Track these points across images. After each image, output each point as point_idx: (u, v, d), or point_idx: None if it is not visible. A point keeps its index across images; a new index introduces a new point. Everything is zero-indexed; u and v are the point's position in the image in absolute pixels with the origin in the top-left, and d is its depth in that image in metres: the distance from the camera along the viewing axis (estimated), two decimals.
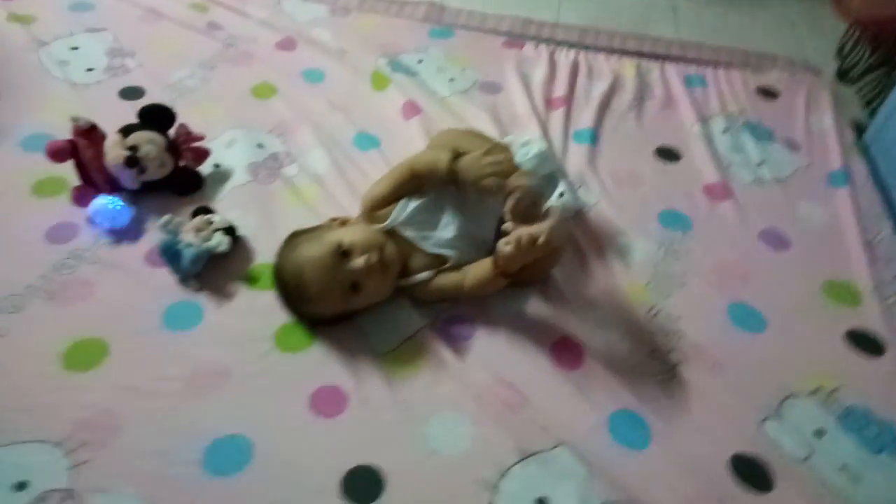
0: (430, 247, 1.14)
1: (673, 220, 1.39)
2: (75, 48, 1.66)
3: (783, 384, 1.09)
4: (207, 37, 1.76)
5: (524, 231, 0.99)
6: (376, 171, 1.41)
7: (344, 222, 1.16)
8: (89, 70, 1.60)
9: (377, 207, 1.16)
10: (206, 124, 1.48)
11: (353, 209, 1.30)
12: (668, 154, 1.56)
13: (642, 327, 1.17)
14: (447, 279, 1.14)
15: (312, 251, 1.06)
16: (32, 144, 1.37)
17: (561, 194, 1.37)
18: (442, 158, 1.13)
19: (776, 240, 1.36)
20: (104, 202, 1.22)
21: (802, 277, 1.29)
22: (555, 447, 0.97)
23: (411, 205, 1.15)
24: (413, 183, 1.15)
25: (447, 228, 1.15)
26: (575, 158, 1.52)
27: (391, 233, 1.14)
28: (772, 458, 0.99)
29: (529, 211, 1.05)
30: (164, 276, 1.17)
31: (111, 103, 1.52)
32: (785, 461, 0.99)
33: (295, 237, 1.12)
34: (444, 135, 1.28)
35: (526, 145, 1.26)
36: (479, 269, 1.11)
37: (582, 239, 1.32)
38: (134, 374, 1.03)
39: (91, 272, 1.17)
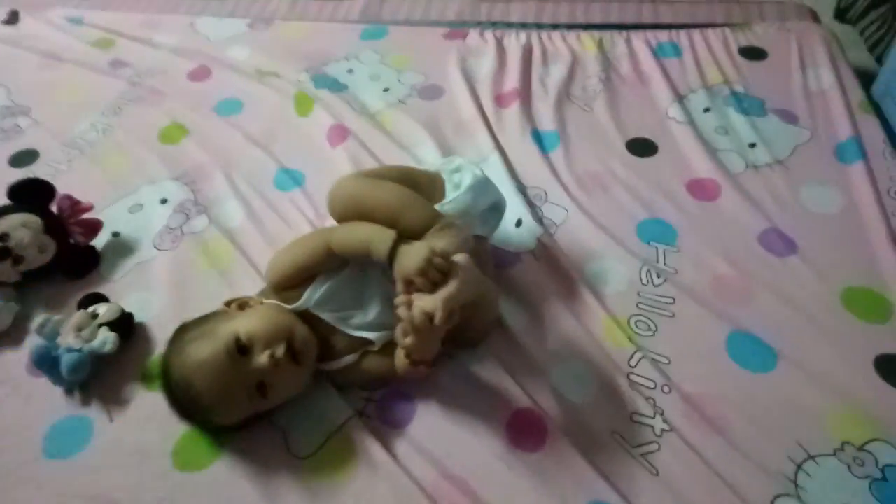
0: (350, 329, 0.94)
1: (655, 231, 1.16)
2: None
3: (800, 442, 0.87)
4: (112, 77, 1.57)
5: (415, 310, 0.78)
6: (298, 217, 1.22)
7: (243, 305, 0.95)
8: None
9: (285, 287, 0.94)
10: (109, 184, 1.32)
11: None
12: (642, 147, 1.32)
13: (620, 383, 0.95)
14: (374, 363, 0.94)
15: (202, 352, 0.86)
16: None
17: (518, 222, 1.16)
18: (381, 246, 0.86)
19: (779, 242, 1.12)
20: None
21: (815, 287, 1.05)
22: None
23: (327, 283, 0.93)
24: (331, 262, 0.92)
25: (370, 308, 0.94)
26: (535, 165, 1.30)
27: (304, 313, 0.93)
28: None
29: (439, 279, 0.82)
30: (49, 388, 0.99)
31: (1, 175, 1.34)
32: None
33: (182, 333, 0.92)
34: (353, 186, 0.96)
35: (457, 172, 1.03)
36: (401, 359, 0.89)
37: (545, 272, 1.10)
38: None
39: None
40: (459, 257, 0.83)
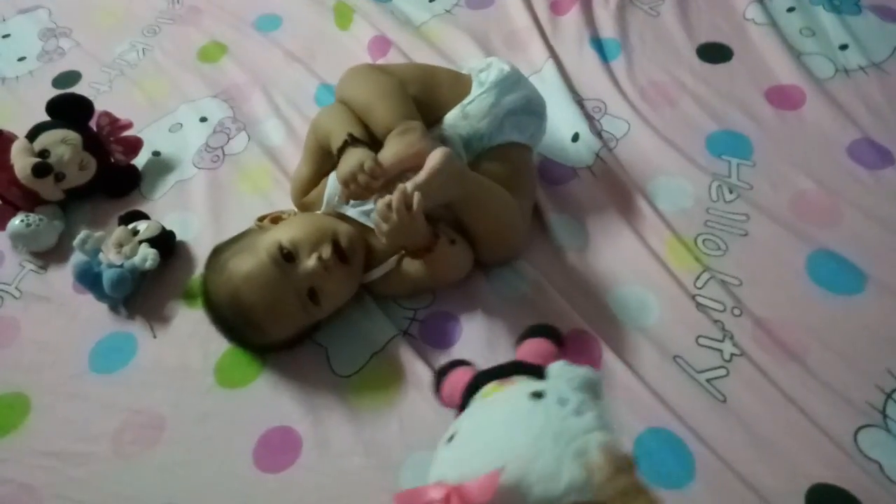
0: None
1: (727, 143, 1.05)
2: (6, 36, 1.47)
3: (891, 370, 0.78)
4: None
5: (379, 203, 0.77)
6: None
7: (276, 219, 0.91)
8: (21, 60, 1.41)
9: (304, 192, 0.93)
10: (149, 104, 1.29)
11: None
12: (714, 52, 1.19)
13: (685, 305, 0.87)
14: (412, 265, 0.88)
15: (246, 265, 0.82)
16: None
17: (575, 136, 1.07)
18: (333, 144, 0.86)
19: (872, 153, 0.99)
20: (19, 223, 1.04)
21: None
22: None
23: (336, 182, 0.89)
24: (324, 154, 0.90)
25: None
26: (594, 75, 1.19)
27: (338, 217, 0.90)
28: (868, 489, 0.70)
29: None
30: (95, 305, 0.99)
31: (45, 96, 1.31)
32: (886, 493, 0.69)
33: (218, 254, 0.88)
34: (345, 77, 0.94)
35: (485, 70, 0.95)
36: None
37: (604, 188, 1.01)
38: (56, 435, 0.87)
39: (16, 309, 1.01)
40: (436, 153, 0.78)
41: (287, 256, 0.82)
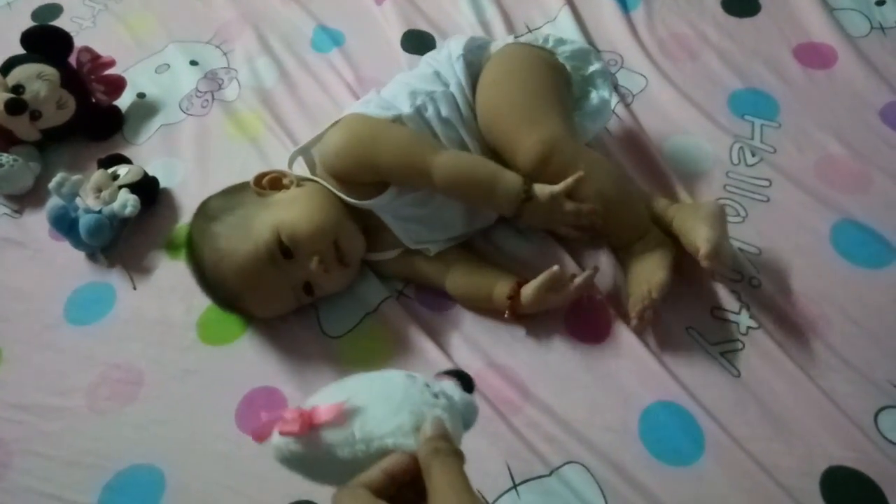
0: (408, 240, 0.83)
1: (751, 102, 0.99)
2: None
3: None
4: None
5: (651, 291, 0.74)
6: (336, 80, 1.09)
7: (276, 182, 0.83)
8: None
9: (347, 178, 0.81)
10: (135, 42, 1.21)
11: (303, 133, 1.00)
12: (741, 5, 1.11)
13: (700, 273, 0.81)
14: (424, 267, 0.83)
15: (240, 252, 0.75)
16: None
17: None
18: (512, 189, 0.75)
19: None
20: None
21: None
22: (562, 466, 0.69)
23: (404, 196, 0.80)
24: (417, 183, 0.79)
25: (445, 228, 0.84)
26: (611, 26, 1.12)
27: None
28: (887, 473, 0.65)
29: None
30: (72, 253, 0.93)
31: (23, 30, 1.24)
32: None
33: (209, 215, 0.80)
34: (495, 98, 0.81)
35: (561, 45, 0.87)
36: (476, 291, 0.81)
37: (618, 147, 0.95)
38: (29, 388, 0.82)
39: None
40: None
41: (286, 252, 0.75)
